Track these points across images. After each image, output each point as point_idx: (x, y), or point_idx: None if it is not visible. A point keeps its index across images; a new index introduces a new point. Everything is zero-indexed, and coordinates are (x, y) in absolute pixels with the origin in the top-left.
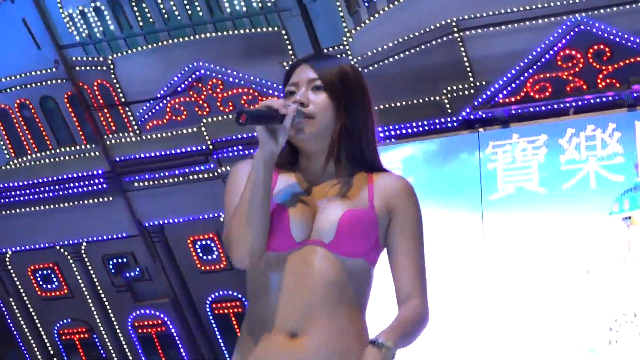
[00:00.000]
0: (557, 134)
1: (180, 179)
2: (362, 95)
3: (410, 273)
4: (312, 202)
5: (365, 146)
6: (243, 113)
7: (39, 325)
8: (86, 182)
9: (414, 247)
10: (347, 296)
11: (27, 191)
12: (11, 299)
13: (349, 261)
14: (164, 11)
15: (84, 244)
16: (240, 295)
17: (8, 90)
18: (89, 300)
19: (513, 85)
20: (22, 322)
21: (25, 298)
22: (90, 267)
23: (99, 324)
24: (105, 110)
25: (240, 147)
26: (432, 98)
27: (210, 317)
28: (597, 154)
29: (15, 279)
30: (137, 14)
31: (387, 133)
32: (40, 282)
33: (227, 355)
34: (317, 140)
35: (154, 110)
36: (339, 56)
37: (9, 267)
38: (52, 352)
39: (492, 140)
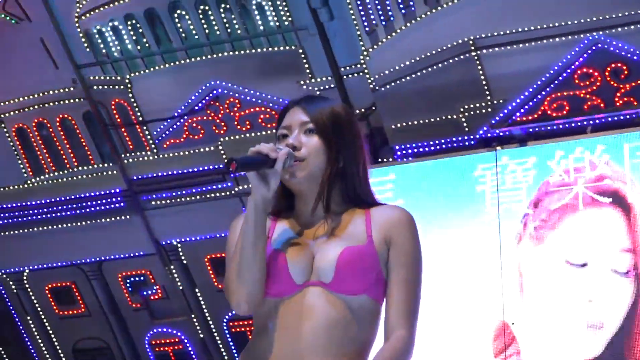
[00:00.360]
0: (546, 156)
1: (198, 197)
2: (353, 136)
3: (401, 303)
4: (310, 244)
5: (358, 185)
6: (233, 161)
7: (56, 343)
8: (103, 201)
9: (408, 277)
10: (351, 336)
11: (45, 210)
12: (29, 318)
13: (351, 299)
14: (181, 30)
15: (102, 262)
16: None
17: (26, 109)
18: (107, 318)
19: (530, 103)
20: (40, 341)
21: (42, 316)
22: (108, 284)
23: (117, 342)
24: (123, 129)
25: None
26: (449, 116)
27: (227, 335)
28: (586, 176)
29: (33, 297)
30: (155, 33)
31: (404, 151)
32: (58, 301)
33: None
34: (309, 182)
35: (171, 129)
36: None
37: (27, 285)
38: None
39: (481, 163)
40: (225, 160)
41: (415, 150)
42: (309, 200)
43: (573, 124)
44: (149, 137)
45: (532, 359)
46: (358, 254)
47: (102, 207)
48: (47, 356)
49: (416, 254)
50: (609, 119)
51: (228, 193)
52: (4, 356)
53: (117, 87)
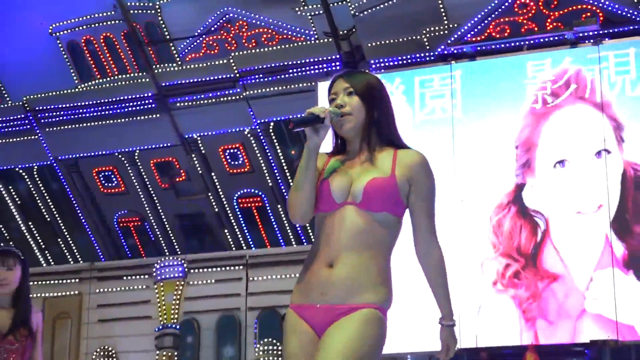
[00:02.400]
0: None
1: (213, 100)
2: (382, 96)
3: (427, 224)
4: (350, 174)
5: (390, 132)
6: (291, 122)
7: (102, 213)
8: (138, 103)
9: (429, 207)
10: (372, 240)
11: (92, 109)
12: (80, 195)
13: (374, 215)
14: None
15: (137, 151)
16: (260, 193)
17: (76, 29)
18: (141, 196)
19: (479, 27)
20: (90, 213)
21: (92, 194)
22: (142, 170)
23: (149, 214)
24: (154, 45)
25: (261, 75)
26: (414, 37)
27: (237, 210)
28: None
29: (84, 178)
30: None
31: (377, 65)
32: (103, 181)
33: (249, 239)
34: (354, 131)
35: (192, 46)
36: (365, 71)
37: (79, 169)
38: (112, 236)
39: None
40: (289, 121)
41: (386, 64)
42: (353, 143)
43: (512, 44)
44: (174, 52)
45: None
46: (381, 183)
47: (138, 108)
48: (95, 225)
49: (433, 189)
50: (541, 40)
51: (237, 97)
52: (61, 225)
53: (149, 11)
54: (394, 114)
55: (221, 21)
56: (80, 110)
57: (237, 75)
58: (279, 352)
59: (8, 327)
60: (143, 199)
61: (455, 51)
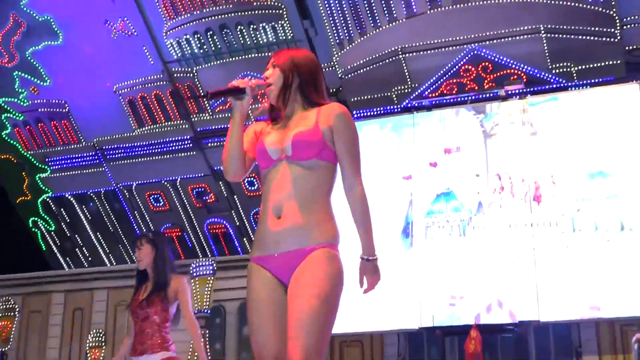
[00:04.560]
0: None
1: None
2: (304, 65)
3: (350, 166)
4: (283, 134)
5: (314, 94)
6: (208, 92)
7: (152, 227)
8: (180, 144)
9: (351, 149)
10: (310, 185)
11: (145, 148)
12: (135, 212)
13: (304, 163)
14: (226, 41)
15: (179, 179)
16: None
17: (134, 88)
18: (181, 213)
19: (434, 86)
20: (142, 226)
21: (144, 212)
22: (182, 193)
23: (187, 227)
24: (192, 100)
25: None
26: (385, 94)
27: (253, 224)
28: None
29: (138, 200)
30: (211, 43)
31: (359, 114)
32: (153, 202)
33: None
34: (279, 97)
35: (220, 100)
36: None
37: (135, 193)
38: None
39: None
40: (204, 93)
41: (365, 114)
42: (281, 108)
43: (459, 99)
44: (207, 105)
45: None
46: (305, 134)
47: (179, 147)
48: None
49: (354, 133)
50: (480, 96)
51: None
52: (121, 234)
53: (189, 75)
54: (319, 80)
55: None
56: (137, 149)
57: (254, 122)
58: None
59: (147, 294)
60: (183, 216)
61: (416, 104)
